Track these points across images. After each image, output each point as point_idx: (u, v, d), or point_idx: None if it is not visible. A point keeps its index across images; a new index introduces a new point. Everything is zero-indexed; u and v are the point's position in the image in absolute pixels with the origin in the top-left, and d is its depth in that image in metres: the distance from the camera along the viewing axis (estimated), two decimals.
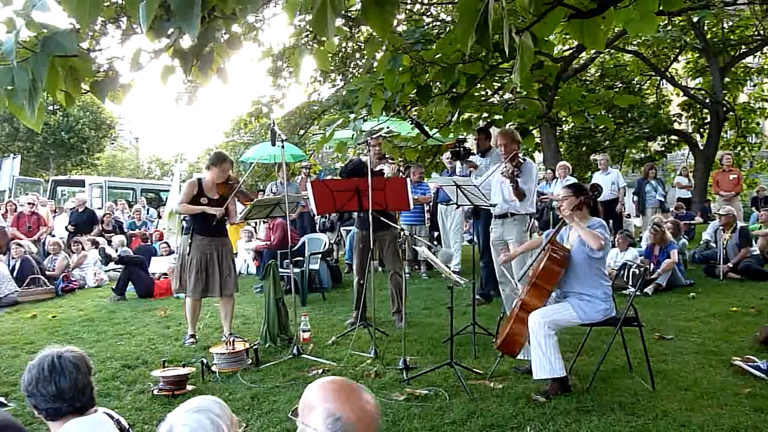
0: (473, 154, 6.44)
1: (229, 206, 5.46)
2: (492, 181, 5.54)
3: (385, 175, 5.64)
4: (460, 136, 6.38)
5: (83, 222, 11.44)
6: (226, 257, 5.49)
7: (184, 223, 11.04)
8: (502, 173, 5.30)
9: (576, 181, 10.05)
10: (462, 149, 6.19)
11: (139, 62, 2.65)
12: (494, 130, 6.61)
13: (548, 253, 4.05)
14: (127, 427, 2.29)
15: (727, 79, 15.11)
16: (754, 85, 18.34)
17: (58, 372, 2.07)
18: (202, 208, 5.35)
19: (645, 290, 7.20)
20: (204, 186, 5.45)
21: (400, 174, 5.95)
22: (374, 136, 5.70)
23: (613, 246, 8.11)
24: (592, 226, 4.02)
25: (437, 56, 3.92)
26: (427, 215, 9.74)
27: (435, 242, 9.96)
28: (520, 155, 5.39)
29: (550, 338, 3.86)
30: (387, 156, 5.93)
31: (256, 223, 10.95)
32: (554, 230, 4.30)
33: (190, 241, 5.40)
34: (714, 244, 8.75)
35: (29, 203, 11.02)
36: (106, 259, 10.38)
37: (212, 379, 4.54)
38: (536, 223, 8.85)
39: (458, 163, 6.73)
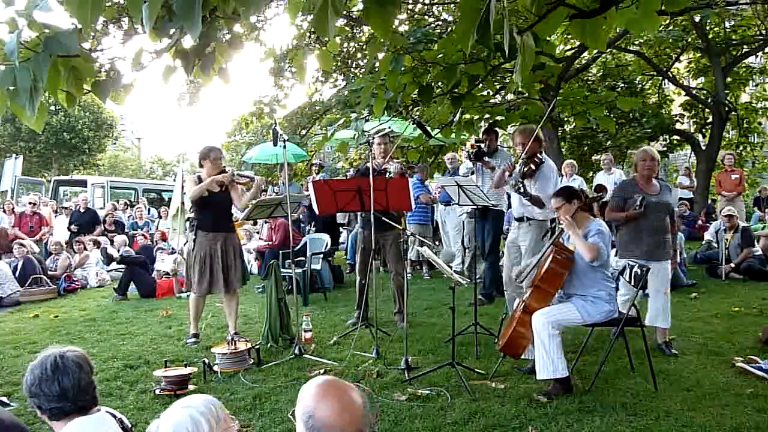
0: (485, 154, 6.43)
1: (232, 193, 5.51)
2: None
3: (387, 175, 5.63)
4: (476, 137, 6.37)
5: (85, 222, 11.46)
6: (231, 252, 5.47)
7: (187, 223, 11.07)
8: (512, 187, 5.06)
9: (576, 181, 10.06)
10: (479, 149, 6.18)
11: (141, 62, 2.65)
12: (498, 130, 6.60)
13: (552, 254, 4.01)
14: (130, 426, 2.29)
15: (729, 79, 15.07)
16: (756, 85, 18.30)
17: (61, 371, 2.08)
18: (207, 183, 5.37)
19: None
20: (203, 182, 5.47)
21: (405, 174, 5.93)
22: (380, 134, 5.69)
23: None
24: (589, 232, 3.99)
25: (439, 56, 3.92)
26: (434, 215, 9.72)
27: (437, 243, 9.96)
28: (540, 156, 5.11)
29: (554, 338, 3.85)
30: (393, 157, 5.92)
31: (257, 223, 10.96)
32: (557, 233, 4.24)
33: (194, 237, 5.43)
34: (716, 245, 8.74)
35: (30, 203, 11.03)
36: (108, 259, 10.40)
37: (214, 379, 4.54)
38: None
39: (469, 163, 6.71)
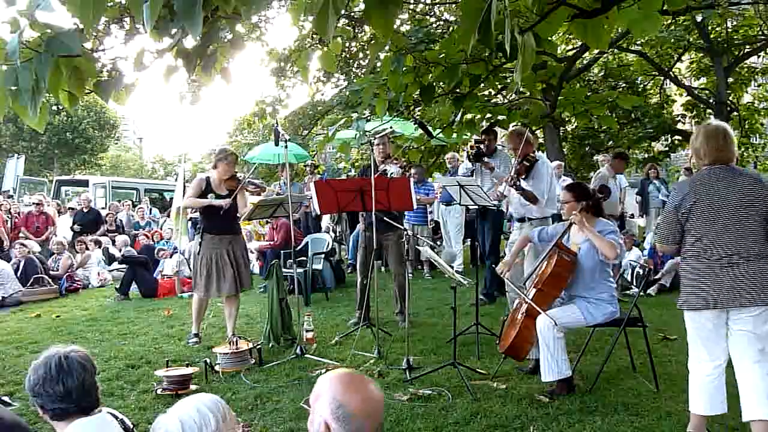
0: (484, 154, 6.43)
1: (238, 199, 5.45)
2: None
3: (388, 175, 5.63)
4: (476, 137, 6.39)
5: (89, 222, 11.48)
6: (238, 254, 5.44)
7: (189, 223, 11.06)
8: (505, 181, 5.23)
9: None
10: (479, 150, 6.20)
11: (143, 62, 2.65)
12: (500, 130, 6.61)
13: (555, 257, 3.96)
14: (131, 426, 2.30)
15: (731, 79, 15.04)
16: (758, 86, 18.25)
17: (66, 372, 2.08)
18: (207, 201, 5.35)
19: (649, 291, 7.18)
20: (212, 183, 5.44)
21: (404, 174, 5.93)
22: (380, 135, 5.69)
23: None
24: (602, 232, 3.94)
25: (440, 56, 3.92)
26: (429, 216, 9.72)
27: (438, 242, 9.96)
28: (533, 155, 5.30)
29: (559, 341, 3.84)
30: (392, 157, 5.92)
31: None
32: (561, 233, 4.15)
33: (200, 240, 5.41)
34: None
35: (35, 203, 11.05)
36: (110, 258, 10.40)
37: (216, 378, 4.55)
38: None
39: (468, 163, 6.72)
